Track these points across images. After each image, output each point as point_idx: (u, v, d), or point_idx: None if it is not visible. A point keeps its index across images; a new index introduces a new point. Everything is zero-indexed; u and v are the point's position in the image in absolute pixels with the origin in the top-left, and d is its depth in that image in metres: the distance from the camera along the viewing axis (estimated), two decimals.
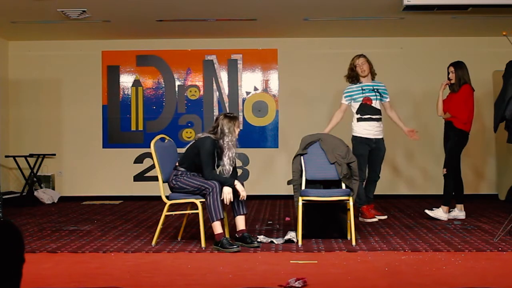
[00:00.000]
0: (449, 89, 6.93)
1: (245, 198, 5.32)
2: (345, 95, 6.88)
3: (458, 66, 6.84)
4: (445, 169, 6.81)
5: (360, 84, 6.83)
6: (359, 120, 6.79)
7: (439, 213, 6.71)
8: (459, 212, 6.84)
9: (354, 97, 6.81)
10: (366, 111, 6.76)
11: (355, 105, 6.81)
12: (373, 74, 6.92)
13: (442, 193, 6.85)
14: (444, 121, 6.95)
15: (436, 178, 9.08)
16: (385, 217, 6.94)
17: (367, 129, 6.76)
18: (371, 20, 7.98)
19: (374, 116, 6.78)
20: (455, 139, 6.75)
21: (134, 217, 7.31)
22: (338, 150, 5.75)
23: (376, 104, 6.79)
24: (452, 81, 6.82)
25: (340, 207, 5.72)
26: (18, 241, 2.22)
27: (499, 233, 5.55)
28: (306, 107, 9.19)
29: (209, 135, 5.39)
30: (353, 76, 6.87)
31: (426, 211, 6.80)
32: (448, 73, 6.87)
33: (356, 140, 6.81)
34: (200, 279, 4.16)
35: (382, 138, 6.89)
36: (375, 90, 6.81)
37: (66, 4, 7.13)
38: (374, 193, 7.00)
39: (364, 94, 6.78)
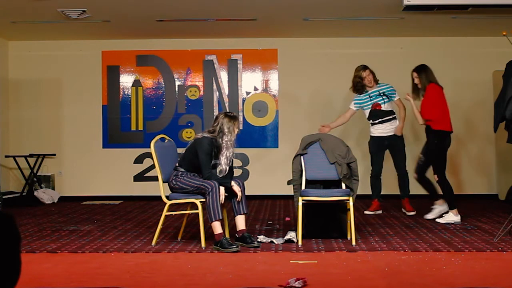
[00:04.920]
0: (420, 96, 6.77)
1: (239, 199, 5.33)
2: (354, 102, 7.34)
3: (421, 69, 6.71)
4: (436, 176, 6.66)
5: (367, 92, 7.23)
6: (372, 124, 7.27)
7: (451, 217, 6.60)
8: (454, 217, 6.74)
9: (363, 105, 7.28)
10: (377, 116, 7.18)
11: (366, 112, 7.30)
12: (375, 80, 7.27)
13: (439, 192, 6.80)
14: (425, 127, 6.83)
15: (433, 178, 9.09)
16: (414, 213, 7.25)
17: (379, 130, 7.22)
18: (371, 20, 7.98)
19: (385, 118, 7.20)
20: (435, 141, 6.62)
21: (134, 217, 7.31)
22: (338, 150, 5.74)
23: (385, 107, 7.18)
24: (419, 86, 6.71)
25: (340, 207, 5.72)
26: (10, 230, 2.21)
27: (499, 233, 5.55)
28: (306, 107, 9.19)
29: (206, 135, 5.38)
30: (359, 88, 7.24)
31: (438, 220, 6.65)
32: (413, 79, 6.76)
33: (371, 139, 7.32)
34: (200, 279, 4.16)
35: (395, 134, 7.19)
36: (382, 94, 7.15)
37: (66, 4, 7.13)
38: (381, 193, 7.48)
39: (372, 101, 7.20)
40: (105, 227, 6.52)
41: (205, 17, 7.84)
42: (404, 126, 7.38)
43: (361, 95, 7.26)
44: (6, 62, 9.30)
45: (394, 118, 7.25)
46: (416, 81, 6.74)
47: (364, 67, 7.21)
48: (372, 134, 7.32)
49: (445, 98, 6.68)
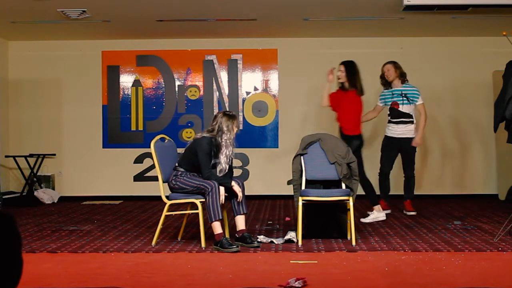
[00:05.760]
0: (337, 84, 6.79)
1: (240, 200, 5.33)
2: (380, 98, 7.42)
3: (349, 67, 6.68)
4: None
5: (391, 89, 7.28)
6: (389, 122, 7.30)
7: (375, 215, 6.72)
8: (378, 214, 6.75)
9: (386, 100, 7.32)
10: (393, 114, 7.23)
11: (387, 108, 7.33)
12: (401, 78, 7.26)
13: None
14: (338, 126, 6.83)
15: (433, 178, 9.10)
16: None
17: (391, 130, 7.26)
18: (371, 20, 7.98)
19: (400, 120, 7.20)
20: (352, 144, 6.44)
21: (134, 217, 7.31)
22: (338, 150, 5.75)
23: (403, 108, 7.20)
24: (341, 80, 6.70)
25: (340, 207, 5.72)
26: (10, 230, 2.21)
27: (499, 233, 5.55)
28: (306, 107, 9.19)
29: (205, 134, 5.39)
30: (384, 82, 7.33)
31: (362, 220, 6.68)
32: (338, 70, 6.74)
33: (384, 138, 7.38)
34: (200, 279, 4.16)
35: (408, 138, 7.19)
36: (403, 95, 7.18)
37: (66, 4, 7.13)
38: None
39: (393, 99, 7.24)
40: (105, 227, 6.52)
41: (205, 17, 7.84)
42: (423, 136, 7.32)
43: (386, 91, 7.31)
44: (6, 62, 9.30)
45: (410, 122, 7.19)
46: (340, 74, 6.69)
47: (388, 62, 7.26)
48: (385, 134, 7.37)
49: (362, 106, 6.77)
